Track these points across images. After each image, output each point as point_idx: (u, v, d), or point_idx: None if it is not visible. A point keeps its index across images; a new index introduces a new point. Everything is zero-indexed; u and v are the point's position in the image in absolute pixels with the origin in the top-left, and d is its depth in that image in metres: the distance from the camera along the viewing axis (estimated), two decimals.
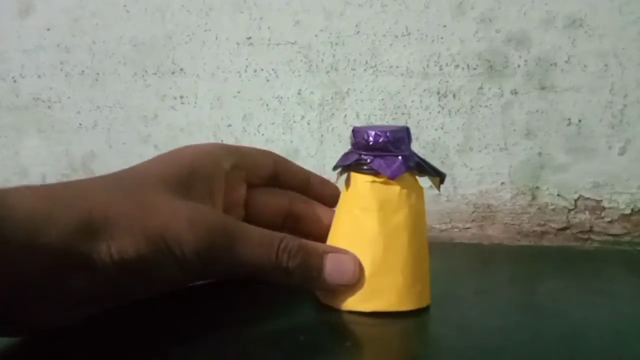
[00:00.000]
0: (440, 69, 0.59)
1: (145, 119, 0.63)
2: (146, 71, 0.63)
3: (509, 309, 0.34)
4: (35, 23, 0.63)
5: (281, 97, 0.61)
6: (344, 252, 0.32)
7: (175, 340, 0.28)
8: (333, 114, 0.61)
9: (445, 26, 0.59)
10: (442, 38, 0.59)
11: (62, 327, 0.27)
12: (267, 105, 0.62)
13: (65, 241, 0.24)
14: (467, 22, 0.58)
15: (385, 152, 0.32)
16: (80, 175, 0.65)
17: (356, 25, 0.60)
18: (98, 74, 0.63)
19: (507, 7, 0.58)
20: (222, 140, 0.63)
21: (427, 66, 0.59)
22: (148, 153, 0.65)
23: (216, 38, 0.61)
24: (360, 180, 0.33)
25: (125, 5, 0.62)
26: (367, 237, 0.33)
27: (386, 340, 0.29)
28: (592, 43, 0.57)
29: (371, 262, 0.32)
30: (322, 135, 0.61)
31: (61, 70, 0.64)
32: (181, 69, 0.62)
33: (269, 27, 0.60)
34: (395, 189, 0.33)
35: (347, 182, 0.35)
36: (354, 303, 0.32)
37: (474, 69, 0.59)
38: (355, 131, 0.34)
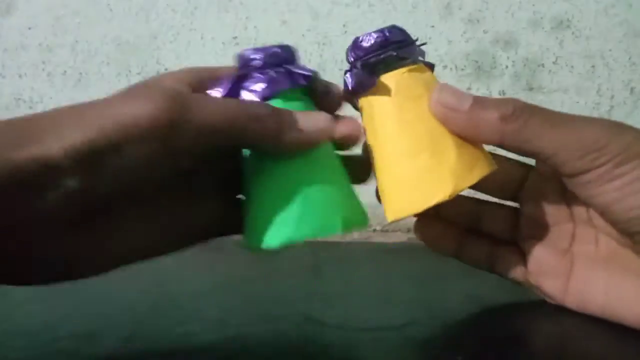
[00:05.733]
0: None
1: None
2: (130, 71, 0.62)
3: (509, 309, 0.34)
4: (16, 22, 0.62)
5: None
6: None
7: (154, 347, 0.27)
8: None
9: (433, 27, 0.58)
10: (430, 38, 0.58)
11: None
12: None
13: (14, 150, 0.23)
14: (455, 22, 0.58)
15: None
16: None
17: (343, 25, 0.59)
18: (81, 74, 0.62)
19: (494, 8, 0.58)
20: None
21: None
22: None
23: (202, 38, 0.60)
24: (397, 75, 0.32)
25: (108, 4, 0.61)
26: (440, 125, 0.31)
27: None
28: (579, 44, 0.57)
29: (454, 138, 0.31)
30: None
31: (43, 70, 0.63)
32: (166, 69, 0.61)
33: (255, 27, 0.59)
34: (425, 68, 0.32)
35: (376, 90, 0.32)
36: (463, 179, 0.30)
37: (462, 69, 0.58)
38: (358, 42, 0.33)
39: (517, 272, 0.33)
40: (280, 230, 0.28)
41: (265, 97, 0.30)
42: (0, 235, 0.24)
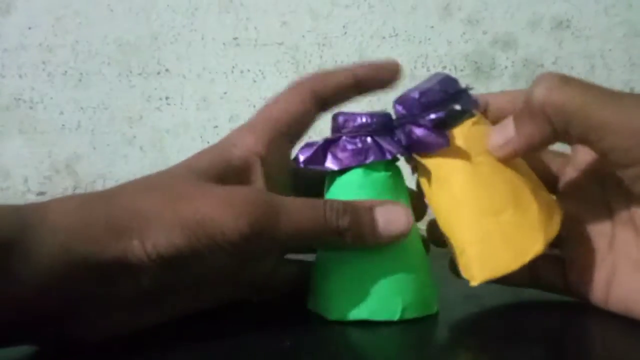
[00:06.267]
0: (428, 71, 0.59)
1: (130, 120, 0.63)
2: (131, 71, 0.62)
3: (509, 309, 0.34)
4: (16, 21, 0.62)
5: (268, 98, 0.61)
6: (391, 202, 0.29)
7: (154, 344, 0.27)
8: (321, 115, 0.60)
9: (432, 27, 0.58)
10: (429, 39, 0.58)
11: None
12: (254, 106, 0.61)
13: (98, 248, 0.24)
14: (454, 23, 0.58)
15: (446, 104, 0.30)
16: (63, 178, 0.64)
17: (343, 27, 0.59)
18: (82, 74, 0.62)
19: (493, 9, 0.58)
20: (208, 142, 0.62)
21: (415, 67, 0.59)
22: (133, 155, 0.64)
23: (202, 38, 0.60)
24: (464, 130, 0.30)
25: (109, 5, 0.61)
26: (515, 176, 0.30)
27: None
28: (578, 44, 0.57)
29: (529, 186, 0.30)
30: (309, 137, 0.60)
31: (43, 70, 0.63)
32: (167, 70, 0.61)
33: (255, 28, 0.60)
34: (483, 118, 0.31)
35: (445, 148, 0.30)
36: (548, 229, 0.29)
37: (461, 70, 0.58)
38: (419, 94, 0.31)
39: (558, 281, 0.32)
40: (341, 307, 0.30)
41: (347, 166, 0.31)
42: (62, 311, 0.25)
